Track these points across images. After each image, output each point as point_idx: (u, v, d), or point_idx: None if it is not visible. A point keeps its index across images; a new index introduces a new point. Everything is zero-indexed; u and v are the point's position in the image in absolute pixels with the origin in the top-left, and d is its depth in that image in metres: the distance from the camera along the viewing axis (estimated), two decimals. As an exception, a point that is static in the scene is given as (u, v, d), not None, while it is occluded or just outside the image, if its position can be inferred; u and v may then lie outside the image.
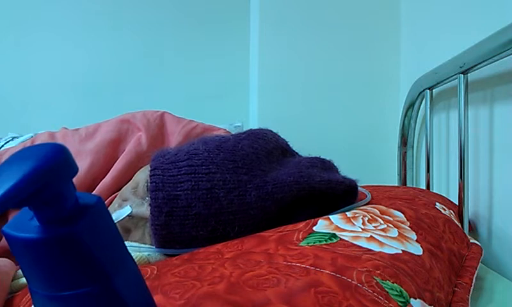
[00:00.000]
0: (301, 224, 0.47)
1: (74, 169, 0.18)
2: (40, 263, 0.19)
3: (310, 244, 0.41)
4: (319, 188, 0.52)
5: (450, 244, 0.52)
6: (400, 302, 0.34)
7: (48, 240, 0.18)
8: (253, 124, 1.27)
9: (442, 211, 0.63)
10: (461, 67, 0.73)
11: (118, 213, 0.53)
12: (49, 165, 0.17)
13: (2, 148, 0.81)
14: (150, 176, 0.49)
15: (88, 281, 0.19)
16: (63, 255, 0.19)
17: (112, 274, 0.20)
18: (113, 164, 0.67)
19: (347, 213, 0.50)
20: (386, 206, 0.54)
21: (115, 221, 0.52)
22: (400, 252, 0.42)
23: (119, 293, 0.20)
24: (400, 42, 1.21)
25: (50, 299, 0.20)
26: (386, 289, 0.34)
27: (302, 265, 0.36)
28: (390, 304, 0.33)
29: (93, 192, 0.64)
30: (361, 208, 0.53)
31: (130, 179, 0.61)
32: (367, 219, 0.48)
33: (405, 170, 1.09)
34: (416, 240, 0.46)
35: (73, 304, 0.19)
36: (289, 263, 0.37)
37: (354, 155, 1.19)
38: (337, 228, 0.45)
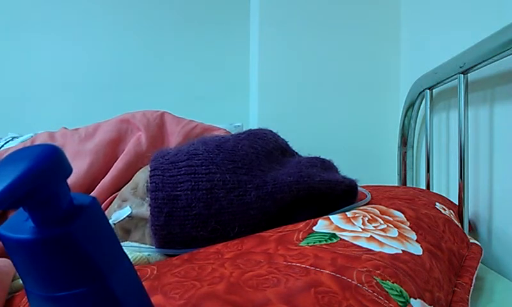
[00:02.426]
0: (301, 224, 0.47)
1: (68, 170, 0.18)
2: (35, 263, 0.19)
3: (310, 244, 0.41)
4: (318, 188, 0.52)
5: (450, 244, 0.52)
6: (400, 302, 0.34)
7: (43, 241, 0.18)
8: (253, 124, 1.27)
9: (442, 211, 0.63)
10: (461, 67, 0.73)
11: (118, 214, 0.53)
12: (43, 166, 0.17)
13: (2, 148, 0.81)
14: (150, 176, 0.49)
15: (84, 281, 0.19)
16: (58, 255, 0.19)
17: (108, 274, 0.20)
18: (113, 164, 0.67)
19: (347, 213, 0.50)
20: (386, 206, 0.54)
21: (115, 222, 0.53)
22: (400, 252, 0.42)
23: (115, 293, 0.20)
24: (400, 42, 1.21)
25: (46, 300, 0.20)
26: (386, 289, 0.34)
27: (302, 265, 0.36)
28: (390, 304, 0.33)
29: (93, 192, 0.64)
30: (361, 208, 0.53)
31: (130, 179, 0.61)
32: (367, 219, 0.48)
33: (405, 170, 1.09)
34: (416, 240, 0.46)
35: (69, 304, 0.19)
36: (289, 263, 0.37)
37: (354, 155, 1.19)
38: (337, 228, 0.45)
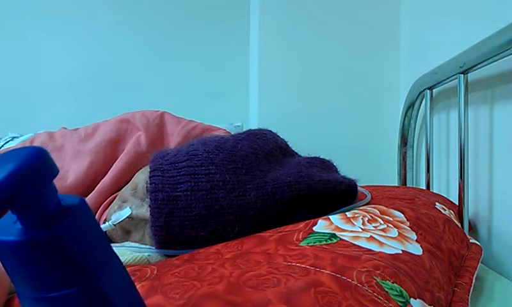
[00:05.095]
0: (301, 225, 0.47)
1: (54, 171, 0.18)
2: (24, 265, 0.19)
3: (309, 244, 0.41)
4: (318, 188, 0.52)
5: (450, 243, 0.52)
6: (400, 302, 0.34)
7: (31, 242, 0.18)
8: (253, 124, 1.27)
9: (442, 211, 0.63)
10: (461, 67, 0.73)
11: (118, 215, 0.53)
12: (28, 167, 0.17)
13: (2, 148, 0.81)
14: (150, 177, 0.49)
15: (73, 282, 0.19)
16: (46, 257, 0.19)
17: (98, 274, 0.20)
18: (113, 164, 0.67)
19: (347, 213, 0.50)
20: (386, 206, 0.54)
21: (115, 223, 0.53)
22: (400, 252, 0.42)
23: (105, 293, 0.20)
24: (400, 42, 1.21)
25: (36, 301, 0.20)
26: (386, 289, 0.34)
27: (302, 265, 0.36)
28: (390, 304, 0.33)
29: (93, 192, 0.64)
30: (361, 208, 0.53)
31: (130, 179, 0.61)
32: (366, 219, 0.48)
33: (405, 170, 1.09)
34: (416, 240, 0.46)
35: (59, 305, 0.19)
36: (289, 263, 0.37)
37: (354, 155, 1.19)
38: (337, 228, 0.45)
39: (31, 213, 0.18)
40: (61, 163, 0.65)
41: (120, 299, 0.21)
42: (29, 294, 0.20)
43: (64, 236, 0.19)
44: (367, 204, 0.57)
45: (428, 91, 0.93)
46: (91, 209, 0.21)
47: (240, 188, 0.48)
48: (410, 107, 1.04)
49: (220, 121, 0.99)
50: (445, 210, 0.64)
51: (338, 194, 0.54)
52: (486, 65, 0.69)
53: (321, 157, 0.60)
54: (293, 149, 0.62)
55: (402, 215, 0.52)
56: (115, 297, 0.20)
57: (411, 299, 0.35)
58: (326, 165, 0.58)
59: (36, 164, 0.17)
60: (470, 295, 0.46)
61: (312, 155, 0.60)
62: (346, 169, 0.61)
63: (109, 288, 0.20)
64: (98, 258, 0.20)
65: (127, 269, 0.40)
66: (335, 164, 0.61)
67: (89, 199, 0.64)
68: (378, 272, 0.36)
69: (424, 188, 0.95)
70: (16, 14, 1.35)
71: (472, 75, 0.75)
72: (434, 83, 0.89)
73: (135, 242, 0.54)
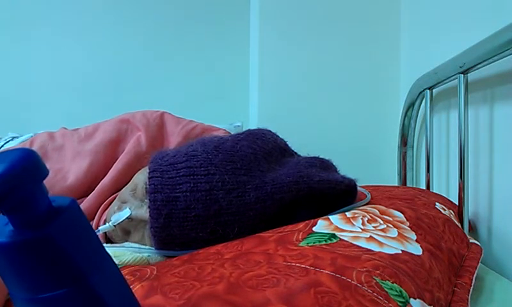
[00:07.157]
0: (301, 225, 0.47)
1: (44, 173, 0.18)
2: (16, 267, 0.19)
3: (309, 244, 0.41)
4: (318, 188, 0.52)
5: (450, 244, 0.52)
6: (400, 302, 0.34)
7: (22, 244, 0.18)
8: (253, 124, 1.27)
9: (442, 211, 0.63)
10: (461, 67, 0.73)
11: (118, 216, 0.53)
12: (16, 168, 0.17)
13: (2, 148, 0.81)
14: (149, 178, 0.49)
15: (65, 283, 0.19)
16: (37, 258, 0.19)
17: (89, 274, 0.20)
18: (113, 164, 0.67)
19: (346, 213, 0.50)
20: (385, 206, 0.54)
21: (115, 224, 0.53)
22: (400, 252, 0.42)
23: (98, 293, 0.20)
24: (400, 42, 1.21)
25: (29, 302, 0.20)
26: (386, 289, 0.34)
27: (302, 265, 0.36)
28: (390, 304, 0.33)
29: (93, 193, 0.64)
30: (361, 208, 0.53)
31: (130, 179, 0.61)
32: (366, 219, 0.48)
33: (405, 170, 1.09)
34: (416, 240, 0.46)
35: (52, 306, 0.19)
36: (289, 264, 0.37)
37: (354, 155, 1.19)
38: (337, 228, 0.45)
39: (21, 214, 0.18)
40: (61, 163, 0.65)
41: (113, 299, 0.21)
42: (22, 295, 0.20)
43: (55, 237, 0.19)
44: (366, 204, 0.57)
45: (428, 91, 0.92)
46: (82, 210, 0.21)
47: (239, 188, 0.48)
48: (410, 107, 1.04)
49: (220, 121, 0.99)
50: (445, 210, 0.64)
51: (338, 194, 0.54)
52: (486, 65, 0.69)
53: (321, 156, 0.60)
54: (293, 149, 0.62)
55: (402, 215, 0.52)
56: (108, 296, 0.20)
57: (411, 299, 0.35)
58: (325, 165, 0.58)
59: (25, 166, 0.17)
60: (470, 295, 0.46)
61: (312, 155, 0.60)
62: (346, 169, 0.61)
63: (101, 288, 0.20)
64: (90, 258, 0.20)
65: (127, 269, 0.40)
66: (334, 163, 0.61)
67: (89, 199, 0.64)
68: (378, 272, 0.36)
69: (424, 188, 0.95)
70: (17, 14, 1.35)
71: (471, 75, 0.75)
72: (434, 83, 0.89)
73: (135, 242, 0.54)
